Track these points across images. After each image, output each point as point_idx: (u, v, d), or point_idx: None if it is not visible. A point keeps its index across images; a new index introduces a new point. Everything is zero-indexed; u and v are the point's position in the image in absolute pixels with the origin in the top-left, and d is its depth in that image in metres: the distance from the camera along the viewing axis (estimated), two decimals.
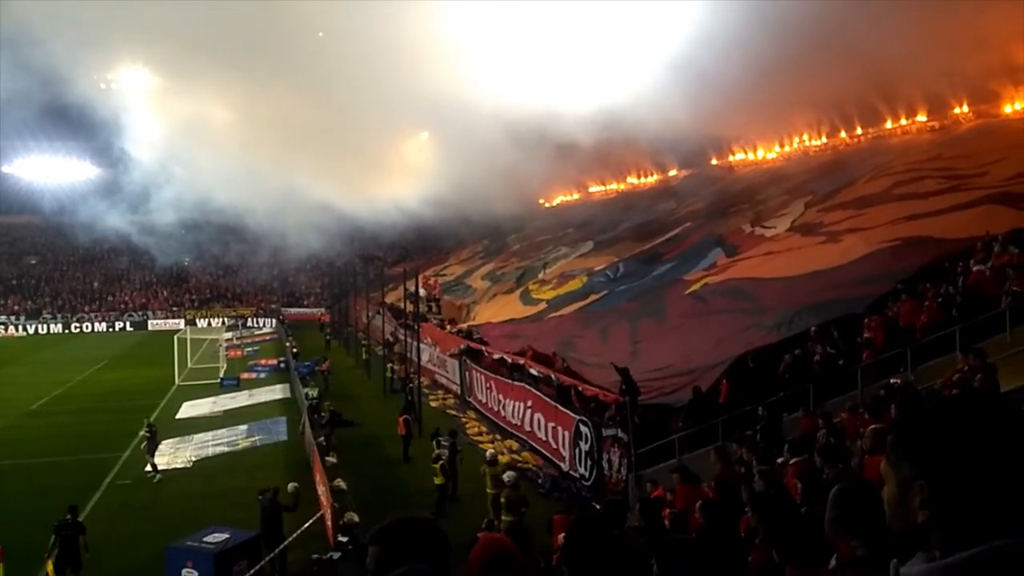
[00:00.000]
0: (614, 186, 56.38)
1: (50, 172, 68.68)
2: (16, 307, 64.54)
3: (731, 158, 44.56)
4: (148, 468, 20.27)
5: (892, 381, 12.28)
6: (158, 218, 54.71)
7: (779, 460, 9.88)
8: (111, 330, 62.42)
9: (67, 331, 61.85)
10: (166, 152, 49.20)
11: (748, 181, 38.69)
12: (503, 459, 19.42)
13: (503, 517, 14.53)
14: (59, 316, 63.83)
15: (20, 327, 61.84)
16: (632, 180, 54.46)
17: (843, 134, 36.81)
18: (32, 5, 38.69)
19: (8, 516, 16.59)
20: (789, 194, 31.34)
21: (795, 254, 23.38)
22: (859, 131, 35.87)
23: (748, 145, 43.06)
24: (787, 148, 40.71)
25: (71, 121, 48.90)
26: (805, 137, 39.45)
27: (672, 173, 49.49)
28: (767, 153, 42.00)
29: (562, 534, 10.84)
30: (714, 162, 45.73)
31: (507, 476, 14.99)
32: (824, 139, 38.13)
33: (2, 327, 61.55)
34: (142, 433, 21.23)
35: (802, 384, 14.20)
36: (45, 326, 62.32)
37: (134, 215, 54.00)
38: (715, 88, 31.39)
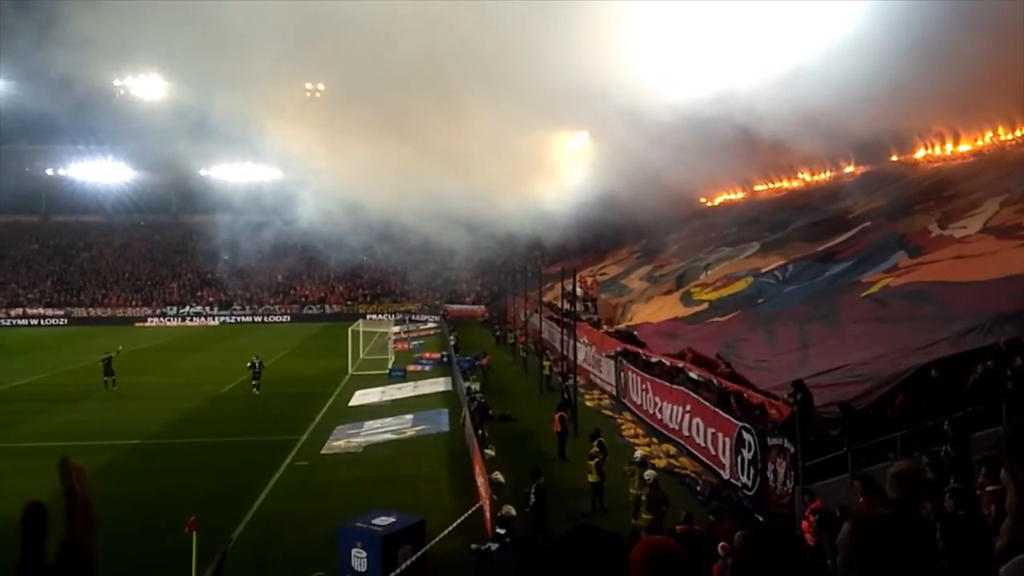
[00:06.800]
0: (784, 184, 53.78)
1: (241, 175, 75.65)
2: (211, 299, 71.33)
3: (915, 154, 41.24)
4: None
5: None
6: (334, 219, 58.35)
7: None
8: (293, 321, 67.58)
9: (254, 321, 67.88)
10: (341, 158, 52.08)
11: (934, 178, 35.65)
12: (659, 463, 19.14)
13: (643, 515, 14.49)
14: (247, 307, 69.97)
15: (214, 317, 68.69)
16: (804, 176, 51.70)
17: None
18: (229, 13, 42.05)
19: (199, 491, 18.19)
20: (982, 191, 28.59)
21: (990, 258, 21.31)
22: None
23: (934, 138, 39.67)
24: (979, 142, 37.13)
25: (256, 129, 53.03)
26: (1000, 130, 35.83)
27: (848, 170, 46.55)
28: (956, 148, 38.51)
29: (722, 543, 10.55)
30: (894, 158, 42.54)
31: (647, 474, 14.87)
32: (1022, 131, 34.45)
33: (200, 317, 68.58)
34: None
35: (994, 400, 12.92)
36: (235, 317, 68.75)
37: (314, 216, 57.65)
38: (896, 76, 28.99)
